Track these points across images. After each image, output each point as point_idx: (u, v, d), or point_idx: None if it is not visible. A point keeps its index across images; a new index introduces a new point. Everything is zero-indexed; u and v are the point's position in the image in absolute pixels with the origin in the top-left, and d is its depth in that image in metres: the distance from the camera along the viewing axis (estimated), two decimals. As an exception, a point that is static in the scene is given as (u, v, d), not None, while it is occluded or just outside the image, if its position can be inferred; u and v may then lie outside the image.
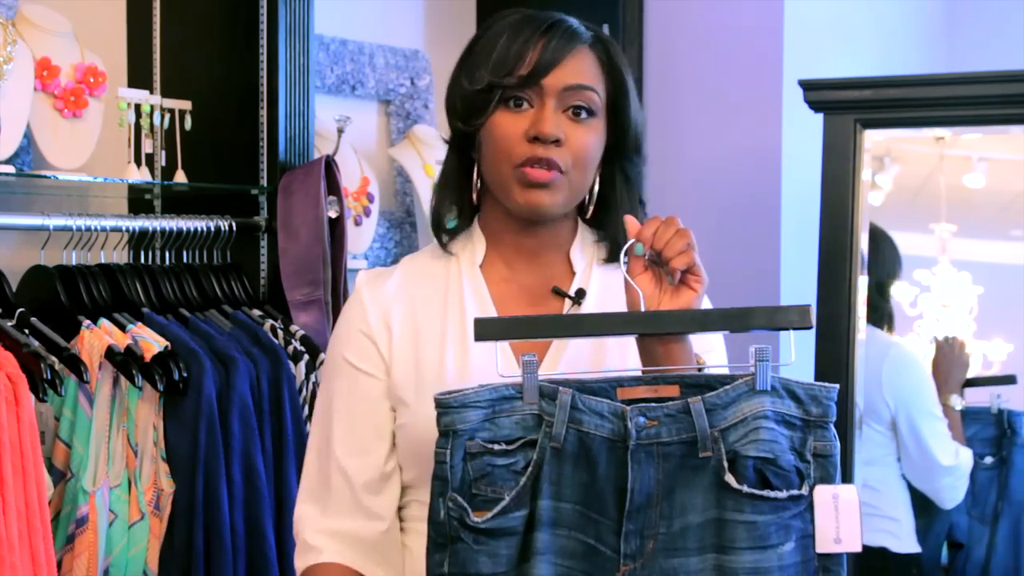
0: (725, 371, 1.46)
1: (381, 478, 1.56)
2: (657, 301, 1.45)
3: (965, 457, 2.94)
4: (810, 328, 1.34)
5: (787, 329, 1.35)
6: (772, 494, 1.32)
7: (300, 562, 1.58)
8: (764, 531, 1.32)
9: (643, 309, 1.43)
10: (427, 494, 1.55)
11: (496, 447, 1.32)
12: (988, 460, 3.06)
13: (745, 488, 1.32)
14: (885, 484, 2.96)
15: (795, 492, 1.33)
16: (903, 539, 2.95)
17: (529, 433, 1.33)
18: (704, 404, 1.33)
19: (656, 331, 1.40)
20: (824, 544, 1.33)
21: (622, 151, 1.59)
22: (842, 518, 1.33)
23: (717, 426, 1.33)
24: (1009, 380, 3.11)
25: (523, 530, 1.32)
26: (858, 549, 1.34)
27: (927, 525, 3.02)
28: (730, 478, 1.32)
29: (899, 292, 3.27)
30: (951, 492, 2.93)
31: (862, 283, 2.84)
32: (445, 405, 1.33)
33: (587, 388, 1.34)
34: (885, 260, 3.05)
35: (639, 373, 1.41)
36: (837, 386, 1.36)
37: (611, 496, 1.33)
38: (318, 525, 1.56)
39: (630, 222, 1.47)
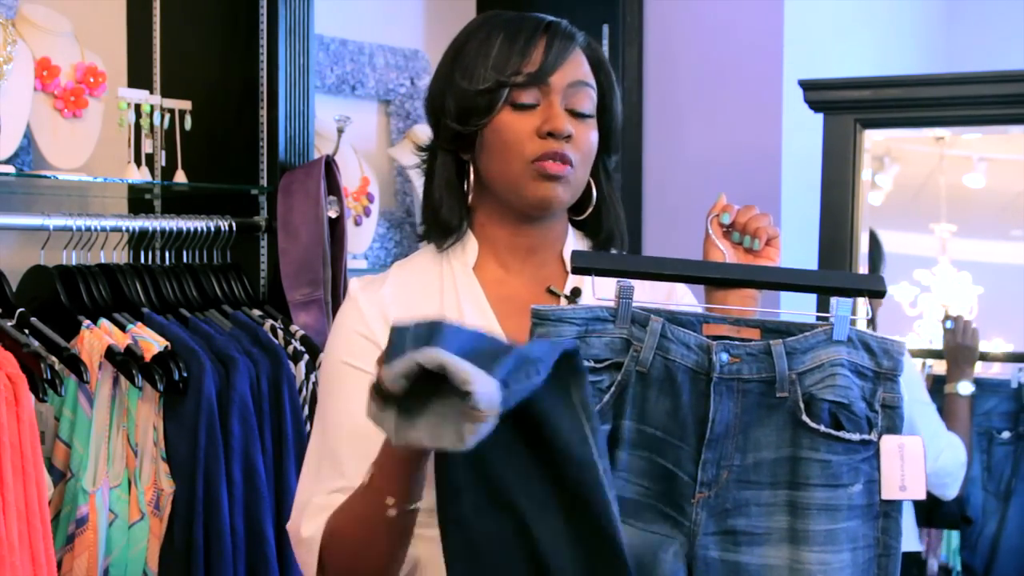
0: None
1: None
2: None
3: (947, 458, 2.81)
4: (884, 296, 1.41)
5: (864, 296, 1.41)
6: (846, 435, 1.37)
7: (303, 550, 1.49)
8: (837, 470, 1.37)
9: None
10: (431, 499, 1.55)
11: (585, 364, 1.36)
12: (1005, 435, 3.02)
13: (822, 428, 1.37)
14: None
15: (866, 436, 1.38)
16: (903, 539, 2.92)
17: (617, 356, 1.37)
18: (785, 347, 1.38)
19: (757, 279, 1.46)
20: (890, 491, 1.39)
21: (607, 149, 1.62)
22: (907, 467, 1.38)
23: (795, 369, 1.37)
24: None
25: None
26: (922, 496, 1.40)
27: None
28: (807, 418, 1.37)
29: (899, 292, 3.28)
30: (939, 490, 2.82)
31: (862, 283, 2.83)
32: (542, 316, 1.37)
33: (676, 319, 1.39)
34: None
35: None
36: (907, 341, 1.43)
37: (692, 424, 1.37)
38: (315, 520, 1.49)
39: (721, 197, 1.59)
